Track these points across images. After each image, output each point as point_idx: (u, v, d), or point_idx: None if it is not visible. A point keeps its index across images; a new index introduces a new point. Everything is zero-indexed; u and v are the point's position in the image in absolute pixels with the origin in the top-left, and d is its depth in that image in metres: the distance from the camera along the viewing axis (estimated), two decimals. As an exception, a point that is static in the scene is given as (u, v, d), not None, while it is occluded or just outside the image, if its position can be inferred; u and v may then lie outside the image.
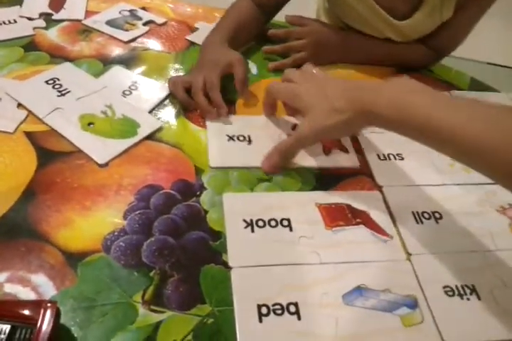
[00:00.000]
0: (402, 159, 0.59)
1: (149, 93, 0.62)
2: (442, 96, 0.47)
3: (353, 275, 0.45)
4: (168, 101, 0.62)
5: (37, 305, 0.35)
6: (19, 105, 0.57)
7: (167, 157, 0.54)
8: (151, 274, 0.42)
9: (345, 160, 0.58)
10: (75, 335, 0.37)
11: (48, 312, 0.34)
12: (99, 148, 0.53)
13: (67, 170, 0.50)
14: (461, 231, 0.51)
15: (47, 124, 0.55)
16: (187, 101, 0.60)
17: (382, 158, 0.59)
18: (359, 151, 0.59)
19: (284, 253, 0.46)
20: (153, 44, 0.72)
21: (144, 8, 0.80)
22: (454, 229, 0.51)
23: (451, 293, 0.45)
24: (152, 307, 0.40)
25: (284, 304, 0.42)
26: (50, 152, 0.52)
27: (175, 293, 0.41)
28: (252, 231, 0.48)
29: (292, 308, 0.42)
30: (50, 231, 0.44)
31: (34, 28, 0.71)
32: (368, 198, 0.54)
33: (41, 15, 0.74)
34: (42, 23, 0.73)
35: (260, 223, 0.48)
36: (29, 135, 0.54)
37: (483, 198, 0.55)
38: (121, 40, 0.72)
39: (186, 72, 0.68)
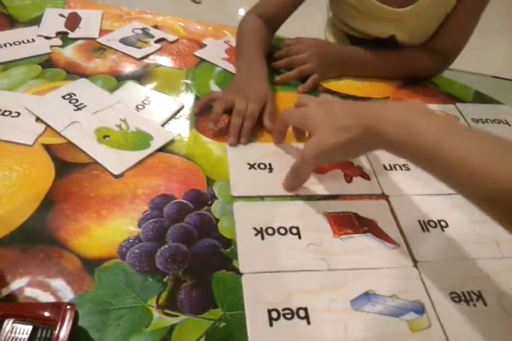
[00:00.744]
0: (408, 169, 0.61)
1: (161, 107, 0.65)
2: (453, 122, 0.47)
3: (361, 281, 0.46)
4: (180, 114, 0.65)
5: (57, 307, 0.36)
6: (38, 119, 0.60)
7: (179, 168, 0.56)
8: (165, 280, 0.44)
9: (368, 187, 0.57)
10: (93, 337, 0.38)
11: (68, 314, 0.35)
12: (114, 160, 0.55)
13: (83, 181, 0.52)
14: (467, 239, 0.52)
15: (64, 137, 0.58)
16: (218, 117, 0.62)
17: (388, 168, 0.61)
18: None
19: (293, 259, 0.48)
20: (165, 61, 0.75)
21: (155, 27, 0.83)
22: (459, 237, 0.52)
23: (457, 299, 0.46)
24: (166, 311, 0.42)
25: (294, 309, 0.43)
26: (67, 163, 0.54)
27: (188, 298, 0.43)
28: (262, 238, 0.49)
29: (302, 313, 0.43)
30: (68, 238, 0.46)
31: (51, 47, 0.74)
32: (375, 207, 0.55)
33: (58, 34, 0.77)
34: (58, 41, 0.76)
35: (270, 231, 0.50)
36: (47, 147, 0.56)
37: (488, 207, 0.57)
38: (134, 57, 0.75)
39: (197, 87, 0.70)
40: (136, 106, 0.64)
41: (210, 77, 0.73)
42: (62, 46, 0.75)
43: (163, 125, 0.62)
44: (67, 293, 0.41)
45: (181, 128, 0.62)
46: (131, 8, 0.88)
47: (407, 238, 0.51)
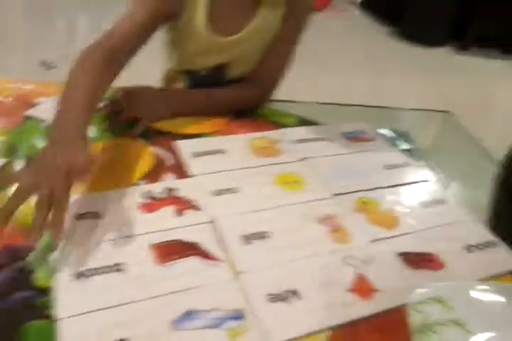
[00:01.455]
0: (234, 192, 0.65)
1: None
2: None
3: (183, 302, 0.48)
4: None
5: None
6: None
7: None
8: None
9: (197, 218, 0.59)
10: None
11: None
12: None
13: None
14: (285, 243, 0.57)
15: None
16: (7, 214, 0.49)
17: (216, 193, 0.64)
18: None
19: (113, 295, 0.48)
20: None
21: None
22: (278, 243, 0.56)
23: (275, 299, 0.49)
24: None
25: (113, 343, 0.43)
26: None
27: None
28: (82, 280, 0.49)
29: (120, 345, 0.42)
30: None
31: None
32: (199, 231, 0.57)
33: None
34: None
35: (91, 272, 0.50)
36: None
37: (305, 213, 0.62)
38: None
39: (25, 146, 0.69)
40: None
41: (36, 133, 0.73)
42: None
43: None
44: None
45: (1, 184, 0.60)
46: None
47: (229, 253, 0.54)
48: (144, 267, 0.51)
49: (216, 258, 0.53)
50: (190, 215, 0.60)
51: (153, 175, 0.66)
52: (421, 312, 0.49)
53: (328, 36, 3.28)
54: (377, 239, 0.60)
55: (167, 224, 0.58)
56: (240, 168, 0.69)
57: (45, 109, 0.79)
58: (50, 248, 0.52)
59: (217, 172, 0.68)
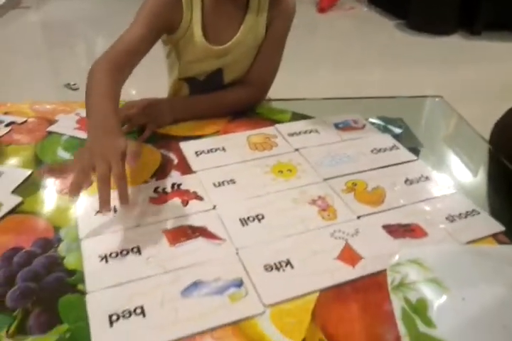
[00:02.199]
0: (234, 183, 0.73)
1: (11, 178, 0.73)
2: None
3: (191, 275, 0.55)
4: (30, 178, 0.73)
5: None
6: None
7: (27, 223, 0.64)
8: (15, 313, 0.50)
9: (201, 206, 0.67)
10: None
11: None
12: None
13: None
14: (279, 223, 0.64)
15: None
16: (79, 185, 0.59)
17: (217, 185, 0.72)
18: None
19: (132, 272, 0.56)
20: (15, 139, 0.84)
21: (6, 113, 0.93)
22: (273, 223, 0.64)
23: (270, 269, 0.56)
24: (16, 337, 0.48)
25: (132, 309, 0.51)
26: None
27: (36, 323, 0.49)
28: (106, 262, 0.57)
29: (138, 310, 0.51)
30: None
31: None
32: (205, 216, 0.65)
33: None
34: None
35: (114, 254, 0.58)
36: None
37: (297, 197, 0.69)
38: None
39: (45, 155, 0.79)
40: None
41: (57, 145, 0.82)
42: None
43: (13, 191, 0.70)
44: None
45: (30, 191, 0.70)
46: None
47: (229, 233, 0.62)
48: (158, 249, 0.59)
49: (219, 238, 0.61)
50: (194, 204, 0.68)
51: (161, 173, 0.75)
52: (399, 272, 0.56)
53: (339, 35, 3.37)
54: (364, 215, 0.66)
55: (175, 213, 0.66)
56: (237, 162, 0.77)
57: (65, 125, 0.89)
58: (76, 239, 0.61)
59: (217, 167, 0.76)
